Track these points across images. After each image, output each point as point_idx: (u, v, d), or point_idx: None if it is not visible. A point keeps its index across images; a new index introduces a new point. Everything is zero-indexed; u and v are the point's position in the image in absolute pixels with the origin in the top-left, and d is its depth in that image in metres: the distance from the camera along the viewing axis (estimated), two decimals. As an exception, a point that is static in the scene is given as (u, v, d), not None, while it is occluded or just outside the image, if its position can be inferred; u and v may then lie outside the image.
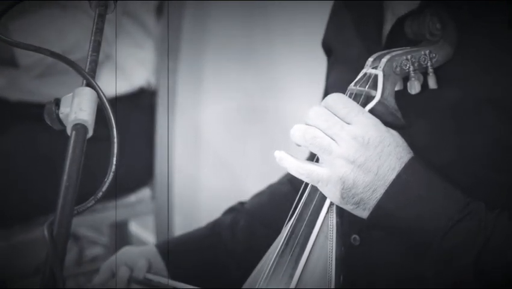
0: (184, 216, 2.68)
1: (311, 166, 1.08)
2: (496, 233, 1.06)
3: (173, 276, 1.36)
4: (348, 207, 1.09)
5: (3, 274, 2.46)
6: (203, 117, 2.74)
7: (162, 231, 2.37)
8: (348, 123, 1.08)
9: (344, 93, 1.12)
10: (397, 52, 1.13)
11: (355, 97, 1.12)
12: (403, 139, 1.10)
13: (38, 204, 2.11)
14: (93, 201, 0.89)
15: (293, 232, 1.13)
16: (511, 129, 1.11)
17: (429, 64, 1.14)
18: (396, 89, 1.13)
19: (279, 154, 1.10)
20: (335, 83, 1.33)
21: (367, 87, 1.11)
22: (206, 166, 2.77)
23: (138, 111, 2.28)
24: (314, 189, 1.12)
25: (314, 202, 1.12)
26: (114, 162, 0.91)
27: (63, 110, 0.93)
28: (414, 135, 1.13)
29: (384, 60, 1.12)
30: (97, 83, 0.95)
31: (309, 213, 1.12)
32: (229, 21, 2.57)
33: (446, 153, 1.14)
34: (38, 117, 1.09)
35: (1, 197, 2.09)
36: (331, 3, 1.41)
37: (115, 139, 0.92)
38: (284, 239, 1.13)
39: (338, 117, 1.08)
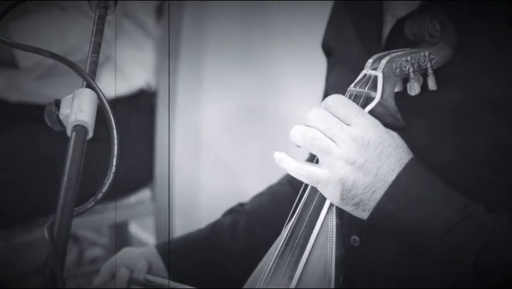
0: (184, 217, 2.68)
1: (311, 167, 1.08)
2: (495, 234, 1.06)
3: (173, 277, 1.36)
4: (348, 208, 1.09)
5: (3, 274, 2.46)
6: (203, 118, 2.74)
7: (162, 232, 2.37)
8: (348, 124, 1.08)
9: (343, 94, 1.12)
10: (396, 53, 1.13)
11: (355, 98, 1.12)
12: (403, 141, 1.10)
13: (39, 205, 2.11)
14: (93, 203, 0.89)
15: (292, 232, 1.13)
16: (511, 129, 1.11)
17: (428, 65, 1.14)
18: (396, 90, 1.13)
19: (278, 155, 1.10)
20: (334, 85, 1.33)
21: (366, 88, 1.11)
22: (206, 166, 2.77)
23: (138, 112, 2.28)
24: (314, 190, 1.12)
25: (313, 203, 1.12)
26: (114, 163, 0.91)
27: (63, 111, 0.93)
28: (414, 136, 1.13)
29: (384, 61, 1.12)
30: (97, 84, 0.95)
31: (309, 214, 1.12)
32: (228, 22, 2.57)
33: (445, 153, 1.14)
34: (38, 118, 1.09)
35: (1, 198, 2.09)
36: (331, 3, 1.41)
37: (116, 141, 0.92)
38: (284, 240, 1.13)
39: (337, 118, 1.08)
